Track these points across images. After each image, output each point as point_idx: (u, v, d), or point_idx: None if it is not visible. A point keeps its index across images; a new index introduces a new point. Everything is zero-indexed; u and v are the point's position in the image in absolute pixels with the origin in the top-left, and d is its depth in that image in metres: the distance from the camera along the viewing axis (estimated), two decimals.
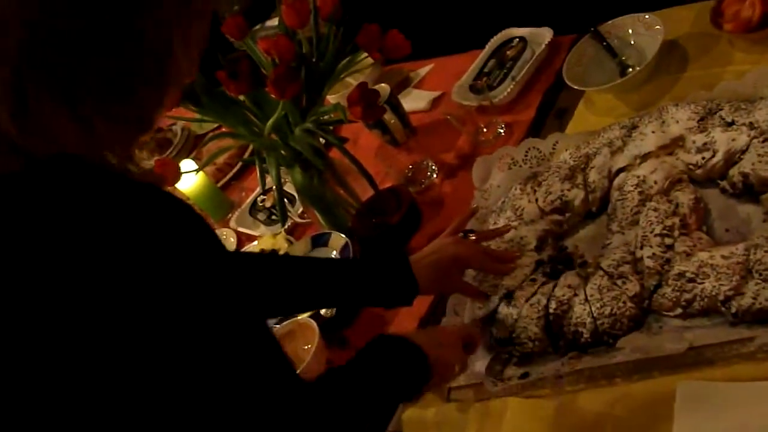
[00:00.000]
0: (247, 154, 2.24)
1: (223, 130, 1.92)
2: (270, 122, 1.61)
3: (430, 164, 1.83)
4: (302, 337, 1.58)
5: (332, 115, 1.65)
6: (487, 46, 2.03)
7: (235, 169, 2.30)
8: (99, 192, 0.84)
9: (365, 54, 1.65)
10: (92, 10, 0.79)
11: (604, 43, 1.73)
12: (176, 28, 0.86)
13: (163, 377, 0.84)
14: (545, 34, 1.92)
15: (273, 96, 1.54)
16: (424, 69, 2.20)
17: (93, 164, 0.86)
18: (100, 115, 0.84)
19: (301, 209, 1.91)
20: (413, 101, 2.06)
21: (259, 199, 2.09)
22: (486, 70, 1.97)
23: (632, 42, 1.71)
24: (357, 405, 1.09)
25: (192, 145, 2.57)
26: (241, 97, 1.65)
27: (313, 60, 1.63)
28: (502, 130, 1.79)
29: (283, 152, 1.68)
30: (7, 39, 0.78)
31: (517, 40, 1.98)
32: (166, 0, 0.84)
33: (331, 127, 1.70)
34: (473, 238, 1.49)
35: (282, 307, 1.47)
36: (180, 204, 0.87)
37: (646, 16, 1.69)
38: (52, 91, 0.81)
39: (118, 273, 0.80)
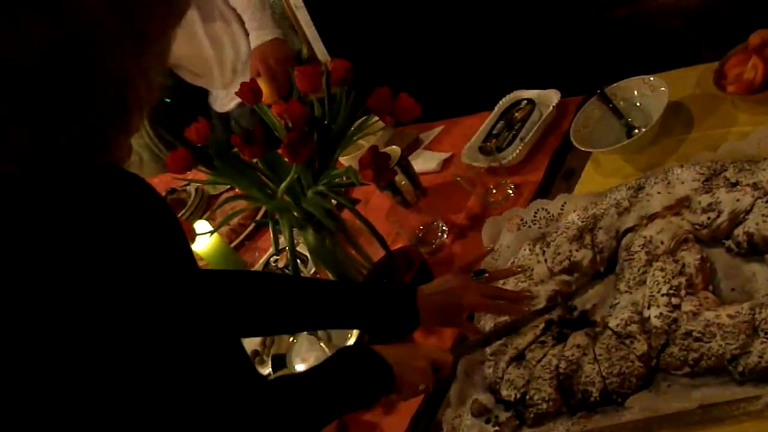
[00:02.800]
0: (260, 215, 2.29)
1: (237, 191, 1.97)
2: (283, 185, 1.66)
3: (440, 225, 1.87)
4: None
5: (344, 178, 1.69)
6: (495, 108, 2.08)
7: (248, 230, 2.35)
8: (79, 191, 0.88)
9: (376, 117, 1.70)
10: (51, 50, 0.85)
11: (611, 105, 1.77)
12: (132, 57, 0.91)
13: (123, 367, 0.87)
14: (553, 96, 1.97)
15: (286, 160, 1.59)
16: (434, 130, 2.26)
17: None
18: (65, 143, 0.89)
19: (313, 269, 1.95)
20: (424, 162, 2.11)
21: (272, 259, 2.13)
22: (495, 131, 2.02)
23: (638, 103, 1.76)
24: (311, 403, 1.15)
25: (206, 206, 2.62)
26: (254, 160, 1.71)
27: (325, 123, 1.68)
28: (511, 191, 1.84)
29: (295, 214, 1.73)
30: None
31: (525, 102, 2.03)
32: (120, 35, 0.89)
33: (342, 189, 1.74)
34: (486, 276, 1.53)
35: (282, 324, 1.51)
36: (152, 198, 0.90)
37: (651, 78, 1.73)
38: (20, 118, 0.86)
39: (87, 269, 0.84)
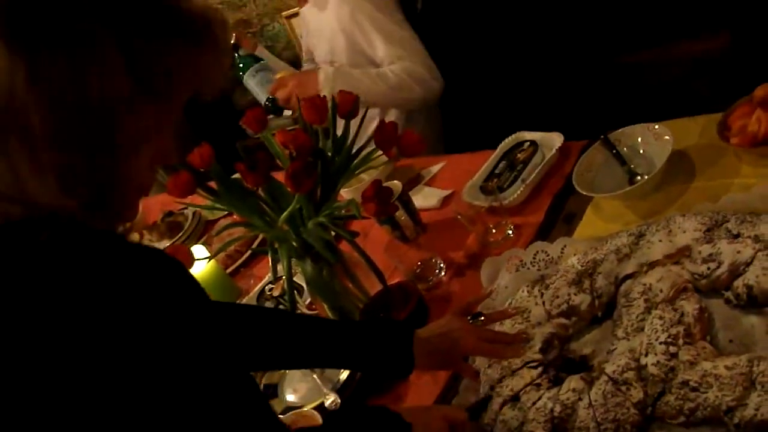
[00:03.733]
0: (256, 243, 2.29)
1: (235, 218, 1.98)
2: (284, 215, 1.66)
3: (438, 262, 1.87)
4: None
5: (345, 211, 1.70)
6: (498, 148, 2.10)
7: (244, 257, 2.35)
8: (86, 245, 0.91)
9: (380, 151, 1.71)
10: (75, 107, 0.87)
11: (614, 151, 1.79)
12: (151, 120, 0.94)
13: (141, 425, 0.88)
14: (556, 139, 1.99)
15: (289, 190, 1.60)
16: (436, 167, 2.27)
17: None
18: (70, 192, 0.91)
19: (309, 300, 1.95)
20: (424, 198, 2.12)
21: (267, 287, 2.14)
22: (497, 171, 2.03)
23: (641, 151, 1.78)
24: None
25: (203, 230, 2.63)
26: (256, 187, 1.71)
27: (330, 155, 1.69)
28: (510, 232, 1.85)
29: (294, 244, 1.73)
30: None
31: (528, 143, 2.05)
32: (139, 101, 0.91)
33: (342, 222, 1.75)
34: (482, 320, 1.53)
35: (276, 361, 1.52)
36: (164, 259, 0.92)
37: (656, 127, 1.75)
38: (30, 167, 0.89)
39: (98, 323, 0.85)
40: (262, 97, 2.62)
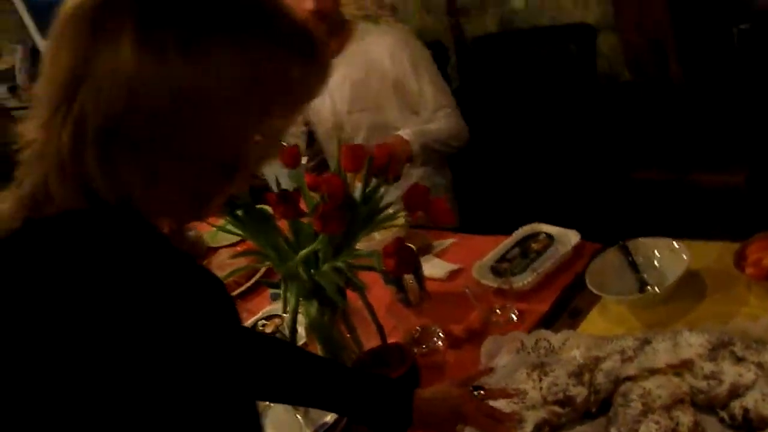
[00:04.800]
0: (257, 276, 2.33)
1: (239, 249, 2.01)
2: (304, 252, 1.71)
3: (437, 331, 1.91)
4: None
5: (362, 261, 1.75)
6: (514, 234, 2.16)
7: (241, 289, 2.38)
8: (141, 243, 0.96)
9: (404, 212, 1.77)
10: (183, 95, 0.91)
11: (630, 259, 1.85)
12: (249, 130, 0.98)
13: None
14: (572, 237, 2.05)
15: (315, 228, 1.65)
16: (447, 241, 2.33)
17: (145, 219, 0.99)
18: (165, 188, 0.96)
19: (303, 341, 1.97)
20: (432, 268, 2.17)
21: (259, 323, 2.16)
22: (509, 256, 2.09)
23: (656, 263, 1.84)
24: None
25: (203, 256, 2.65)
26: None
27: (358, 204, 1.74)
28: (515, 316, 1.89)
29: (304, 284, 1.77)
30: (109, 113, 0.91)
31: (544, 235, 2.11)
32: (247, 103, 0.95)
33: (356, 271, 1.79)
34: (482, 393, 1.56)
35: (276, 393, 1.54)
36: (208, 276, 0.96)
37: (675, 244, 1.82)
38: (131, 160, 0.93)
39: (130, 319, 0.89)
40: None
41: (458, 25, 3.16)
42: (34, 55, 5.64)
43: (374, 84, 2.83)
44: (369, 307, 1.75)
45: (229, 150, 0.97)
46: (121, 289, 0.90)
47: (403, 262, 1.67)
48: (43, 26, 5.44)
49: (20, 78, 5.65)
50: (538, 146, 2.77)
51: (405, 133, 2.67)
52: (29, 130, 0.97)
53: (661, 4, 2.70)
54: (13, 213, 0.96)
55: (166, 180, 0.95)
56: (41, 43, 5.54)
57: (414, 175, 2.79)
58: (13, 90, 5.73)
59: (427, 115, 2.80)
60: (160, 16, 0.90)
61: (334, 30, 2.78)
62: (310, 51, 1.00)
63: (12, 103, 5.82)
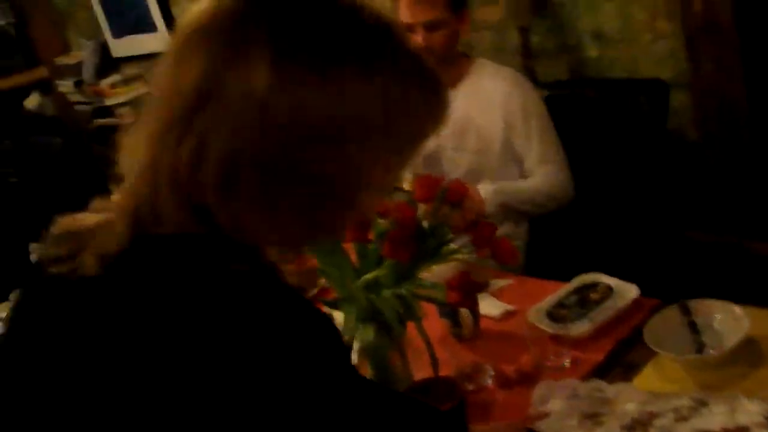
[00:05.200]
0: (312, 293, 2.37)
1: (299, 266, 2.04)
2: (368, 276, 1.74)
3: (489, 369, 1.93)
4: None
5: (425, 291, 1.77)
6: (573, 282, 2.18)
7: None
8: (253, 277, 0.94)
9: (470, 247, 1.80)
10: (306, 137, 0.92)
11: (689, 319, 1.86)
12: (376, 162, 0.98)
13: None
14: (632, 291, 2.07)
15: (382, 253, 1.68)
16: (504, 281, 2.35)
17: (257, 248, 0.99)
18: (285, 216, 0.96)
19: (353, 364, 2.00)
20: (486, 307, 2.19)
21: None
22: (567, 303, 2.11)
23: (715, 326, 1.85)
24: None
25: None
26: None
27: (427, 233, 1.78)
28: (567, 363, 1.91)
29: (363, 307, 1.80)
30: (236, 135, 0.91)
31: (603, 286, 2.13)
32: (377, 134, 0.96)
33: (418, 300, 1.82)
34: None
35: None
36: (318, 315, 0.94)
37: (735, 309, 1.83)
38: (255, 185, 0.92)
39: (238, 360, 0.87)
40: None
41: (530, 69, 3.19)
42: (103, 52, 5.75)
43: (482, 125, 2.75)
44: (425, 337, 1.78)
45: (351, 179, 0.97)
46: (231, 327, 0.88)
47: (466, 296, 1.70)
48: (115, 25, 5.57)
49: (86, 74, 5.77)
50: (601, 196, 2.78)
51: (485, 189, 2.56)
52: (134, 141, 0.96)
53: (739, 68, 2.71)
54: (122, 229, 0.95)
55: (285, 206, 0.94)
56: (111, 42, 5.66)
57: None
58: (78, 84, 5.85)
59: (529, 167, 2.72)
60: (296, 40, 0.90)
61: (448, 63, 2.70)
62: (433, 87, 1.01)
63: (75, 97, 5.95)
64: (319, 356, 0.93)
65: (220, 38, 0.91)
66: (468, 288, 1.71)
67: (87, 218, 1.02)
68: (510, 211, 2.65)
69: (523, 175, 2.75)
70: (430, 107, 1.01)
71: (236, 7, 0.93)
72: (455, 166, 2.81)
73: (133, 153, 0.96)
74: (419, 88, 0.98)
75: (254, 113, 0.89)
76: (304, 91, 0.89)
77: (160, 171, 0.93)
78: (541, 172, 2.69)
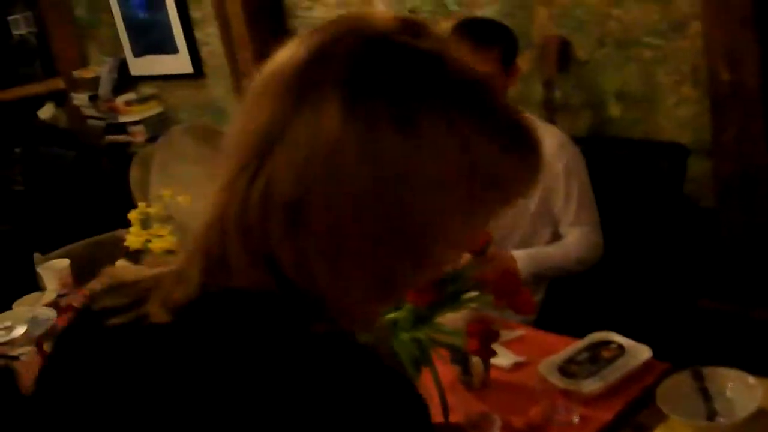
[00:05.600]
0: None
1: None
2: (390, 316, 1.75)
3: (496, 419, 1.94)
4: None
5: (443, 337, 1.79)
6: (585, 339, 2.20)
7: None
8: (330, 339, 0.89)
9: (489, 295, 1.82)
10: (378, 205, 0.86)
11: (701, 385, 1.88)
12: (457, 217, 0.91)
13: None
14: (644, 352, 2.09)
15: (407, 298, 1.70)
16: (515, 332, 2.37)
17: (327, 307, 0.91)
18: (352, 267, 0.89)
19: None
20: (498, 357, 2.20)
21: None
22: (578, 359, 2.13)
23: (727, 394, 1.87)
24: None
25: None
26: None
27: (448, 279, 1.80)
28: (576, 420, 1.92)
29: None
30: (302, 180, 0.86)
31: (616, 345, 2.15)
32: (453, 189, 0.89)
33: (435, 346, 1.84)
34: None
35: None
36: (398, 378, 0.89)
37: (749, 379, 1.85)
38: (321, 232, 0.87)
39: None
40: None
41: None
42: (122, 69, 5.80)
43: None
44: (439, 384, 1.79)
45: (425, 235, 0.90)
46: (316, 397, 0.84)
47: (486, 344, 1.71)
48: (136, 44, 5.62)
49: (103, 89, 5.81)
50: (614, 255, 2.81)
51: (519, 257, 2.57)
52: (211, 191, 0.93)
53: (763, 136, 2.75)
54: (194, 278, 0.92)
55: (352, 256, 0.88)
56: (131, 60, 5.72)
57: None
58: (93, 99, 5.89)
59: (563, 228, 2.73)
60: (370, 84, 0.86)
61: None
62: (525, 148, 0.94)
63: (89, 111, 5.99)
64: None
65: (292, 81, 0.88)
66: (487, 337, 1.73)
67: (142, 270, 1.01)
68: (538, 277, 2.67)
69: (555, 235, 2.77)
70: (520, 169, 0.94)
71: (312, 50, 0.89)
72: None
73: (204, 199, 0.94)
74: (510, 147, 0.91)
75: (320, 158, 0.85)
76: (377, 137, 0.84)
77: (229, 218, 0.90)
78: (574, 234, 2.71)
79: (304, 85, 0.87)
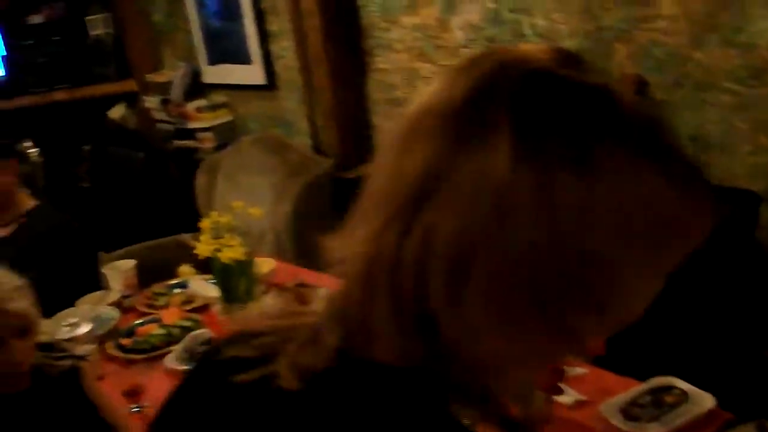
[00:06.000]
0: None
1: None
2: None
3: None
4: None
5: None
6: (649, 382, 2.22)
7: None
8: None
9: None
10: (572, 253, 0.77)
11: None
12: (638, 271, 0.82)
13: None
14: (708, 400, 2.10)
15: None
16: (579, 370, 2.38)
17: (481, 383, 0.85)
18: (524, 322, 0.79)
19: None
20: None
21: None
22: (641, 402, 2.15)
23: None
24: None
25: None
26: None
27: None
28: None
29: None
30: (466, 229, 0.77)
31: (679, 391, 2.16)
32: (632, 239, 0.79)
33: None
34: None
35: None
36: None
37: None
38: (490, 282, 0.77)
39: None
40: None
41: None
42: (194, 76, 5.93)
43: None
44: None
45: (609, 287, 0.80)
46: None
47: (555, 381, 1.74)
48: (210, 52, 5.75)
49: (174, 94, 5.94)
50: (681, 299, 2.81)
51: None
52: (348, 236, 0.84)
53: None
54: (331, 343, 0.85)
55: (524, 319, 0.78)
56: (204, 67, 5.84)
57: None
58: (165, 102, 6.02)
59: None
60: (540, 121, 0.76)
61: None
62: (699, 189, 0.83)
63: (159, 115, 6.13)
64: None
65: (452, 119, 0.79)
66: (560, 372, 1.75)
67: (269, 319, 0.96)
68: None
69: None
70: (697, 212, 0.83)
71: (471, 86, 0.80)
72: None
73: (346, 250, 0.84)
74: (686, 189, 0.81)
75: (491, 203, 0.75)
76: (552, 179, 0.75)
77: (377, 273, 0.80)
78: None
79: (466, 123, 0.78)
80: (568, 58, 0.81)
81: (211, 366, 0.98)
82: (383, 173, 0.83)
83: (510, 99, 0.77)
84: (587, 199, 0.75)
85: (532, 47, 0.83)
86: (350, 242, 0.83)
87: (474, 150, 0.76)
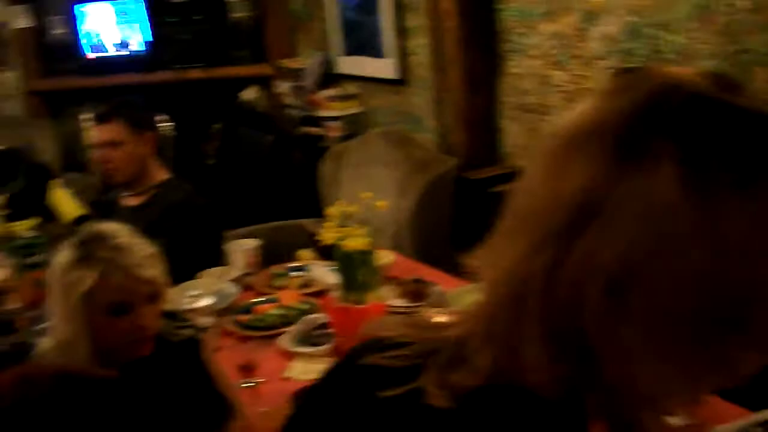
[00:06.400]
0: None
1: None
2: None
3: None
4: None
5: None
6: (760, 413, 2.20)
7: None
8: None
9: None
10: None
11: None
12: None
13: None
14: None
15: None
16: None
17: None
18: (682, 361, 0.78)
19: None
20: (671, 417, 2.24)
21: None
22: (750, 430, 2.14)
23: None
24: None
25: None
26: None
27: None
28: None
29: None
30: (626, 255, 0.75)
31: None
32: None
33: None
34: None
35: None
36: None
37: None
38: (645, 317, 0.76)
39: None
40: None
41: None
42: (327, 65, 6.06)
43: None
44: None
45: (765, 321, 0.77)
46: None
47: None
48: (346, 43, 5.86)
49: (308, 81, 6.07)
50: None
51: None
52: (498, 261, 0.83)
53: None
54: (480, 366, 0.83)
55: (684, 345, 0.77)
56: (338, 58, 5.96)
57: None
58: (296, 89, 6.16)
59: None
60: (704, 146, 0.75)
61: None
62: None
63: (289, 100, 6.27)
64: None
65: (613, 142, 0.77)
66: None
67: (414, 328, 0.95)
68: None
69: None
70: None
71: (630, 108, 0.78)
72: None
73: (491, 269, 0.84)
74: None
75: (655, 227, 0.74)
76: (717, 205, 0.74)
77: (526, 296, 0.78)
78: None
79: (627, 147, 0.76)
80: (724, 83, 0.80)
81: (351, 374, 0.96)
82: (533, 192, 0.82)
83: (674, 124, 0.76)
84: (751, 228, 0.74)
85: (684, 70, 0.82)
86: (496, 260, 0.82)
87: (637, 175, 0.75)
